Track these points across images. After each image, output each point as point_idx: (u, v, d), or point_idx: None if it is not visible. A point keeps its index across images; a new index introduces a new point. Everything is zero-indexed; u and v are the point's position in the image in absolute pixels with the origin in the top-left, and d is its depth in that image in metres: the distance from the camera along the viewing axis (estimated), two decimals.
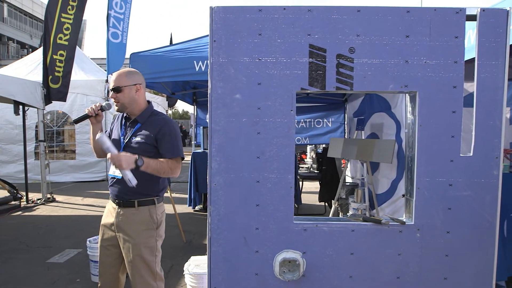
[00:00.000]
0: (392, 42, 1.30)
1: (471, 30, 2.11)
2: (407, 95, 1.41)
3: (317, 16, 1.30)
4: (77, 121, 2.25)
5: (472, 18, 1.30)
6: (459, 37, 1.29)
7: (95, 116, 2.20)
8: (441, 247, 1.34)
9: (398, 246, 1.35)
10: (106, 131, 2.35)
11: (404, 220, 1.38)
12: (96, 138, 2.08)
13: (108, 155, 2.03)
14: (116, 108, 2.22)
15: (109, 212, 2.28)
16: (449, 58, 1.29)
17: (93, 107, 2.20)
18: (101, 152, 2.26)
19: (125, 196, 2.18)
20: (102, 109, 2.22)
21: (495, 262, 1.34)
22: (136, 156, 2.03)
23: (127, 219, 2.19)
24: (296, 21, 1.30)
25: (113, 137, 2.28)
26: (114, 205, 2.23)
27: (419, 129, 1.32)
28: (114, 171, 2.19)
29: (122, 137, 2.24)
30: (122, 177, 2.08)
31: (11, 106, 6.89)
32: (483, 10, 1.28)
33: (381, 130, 4.57)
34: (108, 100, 2.31)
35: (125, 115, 2.29)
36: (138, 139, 2.18)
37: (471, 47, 1.60)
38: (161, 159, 2.14)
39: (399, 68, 1.30)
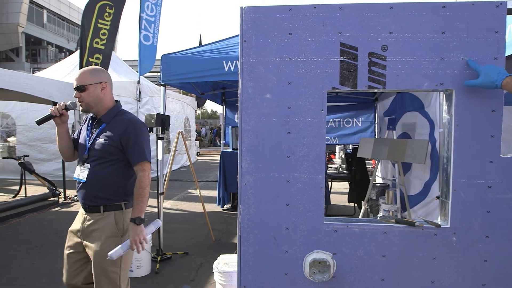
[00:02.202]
0: (427, 39, 1.26)
1: (511, 25, 2.01)
2: (442, 93, 1.36)
3: (349, 14, 1.28)
4: (40, 121, 2.10)
5: None
6: (499, 32, 1.23)
7: (59, 116, 2.06)
8: (479, 252, 1.29)
9: (433, 250, 1.31)
10: (74, 133, 2.25)
11: (439, 223, 1.33)
12: (111, 257, 1.88)
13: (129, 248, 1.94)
14: (81, 108, 2.07)
15: (77, 217, 2.16)
16: (488, 54, 1.24)
17: (57, 106, 2.05)
18: (68, 155, 2.19)
19: (90, 201, 2.05)
20: (66, 108, 2.08)
21: None
22: (136, 223, 1.95)
23: (92, 225, 2.04)
24: (327, 20, 1.28)
25: (80, 139, 2.15)
26: (82, 210, 2.11)
27: (455, 128, 1.27)
28: (78, 174, 2.07)
29: (87, 139, 2.09)
30: (85, 181, 2.03)
31: (50, 107, 7.22)
32: None
33: (414, 130, 4.43)
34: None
35: (91, 115, 2.15)
36: (102, 140, 2.04)
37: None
38: (136, 183, 2.01)
39: (434, 66, 1.26)
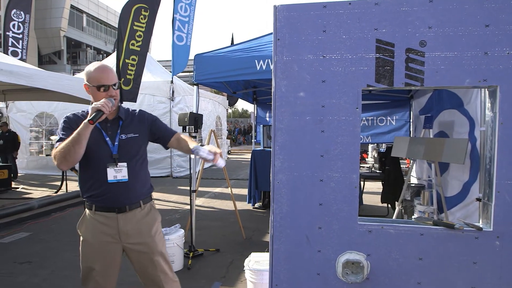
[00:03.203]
0: (469, 32, 1.20)
1: None
2: (485, 90, 1.30)
3: (385, 9, 1.24)
4: (95, 119, 1.83)
5: None
6: None
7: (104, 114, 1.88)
8: None
9: (474, 254, 1.25)
10: (62, 134, 1.96)
11: (481, 226, 1.27)
12: (196, 151, 1.82)
13: (213, 157, 1.81)
14: (112, 105, 1.94)
15: (99, 224, 1.99)
16: None
17: (108, 103, 1.86)
18: (79, 158, 1.89)
19: (132, 199, 2.01)
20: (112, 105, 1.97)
21: None
22: (196, 144, 1.93)
23: (136, 221, 2.02)
24: (362, 16, 1.25)
25: (89, 141, 1.90)
26: (110, 214, 1.99)
27: (500, 127, 1.21)
28: (115, 176, 1.96)
29: (108, 139, 1.99)
30: (128, 179, 1.97)
31: (88, 106, 7.55)
32: None
33: (452, 128, 4.25)
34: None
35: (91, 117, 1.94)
36: (130, 134, 2.02)
37: None
38: (183, 138, 2.08)
39: (477, 61, 1.20)
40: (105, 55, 34.52)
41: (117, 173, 1.97)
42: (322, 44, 1.28)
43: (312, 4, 1.30)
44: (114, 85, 1.98)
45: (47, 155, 10.78)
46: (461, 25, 1.21)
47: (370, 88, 1.29)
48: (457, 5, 1.21)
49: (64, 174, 8.16)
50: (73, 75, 15.10)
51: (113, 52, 11.56)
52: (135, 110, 2.18)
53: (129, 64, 7.22)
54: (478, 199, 3.27)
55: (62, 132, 1.97)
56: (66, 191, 8.00)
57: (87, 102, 7.49)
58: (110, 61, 11.11)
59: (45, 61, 32.43)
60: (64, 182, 8.14)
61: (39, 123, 11.92)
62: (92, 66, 2.04)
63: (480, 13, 1.19)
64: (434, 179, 4.19)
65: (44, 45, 30.93)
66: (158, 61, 13.33)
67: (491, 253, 1.23)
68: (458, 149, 3.47)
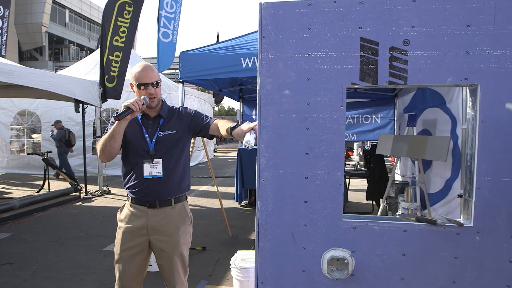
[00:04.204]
0: (451, 32, 1.22)
1: None
2: (466, 88, 1.32)
3: (369, 8, 1.25)
4: (122, 116, 1.92)
5: None
6: None
7: (134, 112, 1.96)
8: (504, 252, 1.25)
9: (455, 249, 1.27)
10: (107, 129, 2.09)
11: (462, 221, 1.30)
12: (247, 143, 1.61)
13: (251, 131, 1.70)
14: (151, 104, 2.06)
15: (133, 215, 2.10)
16: None
17: (138, 101, 1.95)
18: (115, 153, 2.04)
19: (164, 195, 2.08)
20: (143, 103, 2.01)
21: None
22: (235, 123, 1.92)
23: (164, 218, 2.08)
24: (347, 14, 1.26)
25: (128, 137, 2.08)
26: (142, 207, 2.09)
27: (480, 125, 1.23)
28: (150, 172, 2.05)
29: (146, 135, 2.08)
30: (162, 176, 2.03)
31: (73, 104, 7.42)
32: None
33: (434, 126, 4.33)
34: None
35: (140, 113, 2.10)
36: (169, 131, 2.08)
37: None
38: (220, 122, 2.06)
39: (458, 60, 1.22)
40: (88, 51, 33.88)
41: (153, 169, 2.05)
42: (307, 42, 1.29)
43: (297, 2, 1.30)
44: (154, 83, 2.06)
45: (28, 154, 10.54)
46: (443, 25, 1.23)
47: (355, 86, 1.30)
48: (440, 5, 1.22)
49: (46, 173, 7.99)
50: (55, 71, 14.78)
51: (97, 48, 11.36)
52: (177, 107, 2.25)
53: (113, 61, 7.11)
54: (460, 196, 3.35)
55: (108, 126, 2.12)
56: (49, 191, 7.84)
57: (71, 99, 7.35)
58: (94, 58, 10.91)
59: (26, 57, 31.65)
60: (46, 182, 7.97)
61: (20, 121, 11.64)
62: (135, 66, 2.13)
63: (462, 13, 1.21)
64: (417, 176, 4.27)
65: (25, 41, 30.17)
66: (143, 58, 13.19)
67: (471, 248, 1.26)
68: (440, 146, 3.54)
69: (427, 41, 1.24)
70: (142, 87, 2.05)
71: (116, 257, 2.12)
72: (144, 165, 2.05)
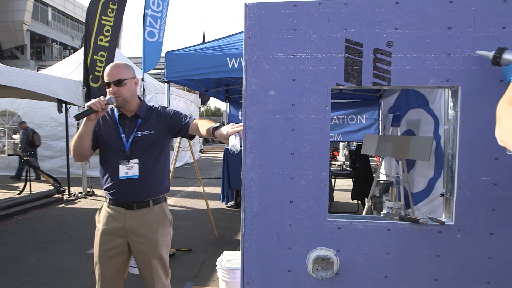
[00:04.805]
0: (433, 34, 1.24)
1: None
2: (448, 90, 1.35)
3: (353, 10, 1.27)
4: (80, 117, 1.93)
5: None
6: (507, 27, 1.22)
7: (97, 112, 1.93)
8: (484, 249, 1.28)
9: (437, 247, 1.30)
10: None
11: (444, 220, 1.33)
12: (233, 147, 1.55)
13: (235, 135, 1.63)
14: (116, 103, 2.02)
15: (110, 217, 2.08)
16: (495, 49, 1.22)
17: (99, 101, 1.91)
18: (87, 153, 2.05)
19: (141, 196, 2.05)
20: (107, 103, 1.97)
21: None
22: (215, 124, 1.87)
23: (142, 220, 2.05)
24: (331, 16, 1.27)
25: (104, 137, 2.08)
26: (120, 209, 2.06)
27: (461, 125, 1.26)
28: (126, 172, 2.02)
29: (123, 135, 2.06)
30: (138, 176, 2.00)
31: (55, 104, 7.27)
32: None
33: (418, 127, 4.41)
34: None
35: (117, 113, 2.10)
36: (146, 132, 2.05)
37: None
38: (199, 122, 2.01)
39: (440, 62, 1.25)
40: (72, 50, 33.28)
41: (129, 169, 2.03)
42: (292, 43, 1.29)
43: (282, 3, 1.30)
44: (117, 82, 2.00)
45: (9, 155, 10.28)
46: (425, 27, 1.25)
47: (340, 87, 1.31)
48: (422, 8, 1.25)
49: (28, 175, 7.81)
50: (38, 71, 14.47)
51: (81, 47, 11.17)
52: (156, 106, 2.19)
53: (98, 61, 7.00)
54: (442, 195, 3.41)
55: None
56: (30, 193, 7.67)
57: (53, 99, 7.20)
58: (77, 57, 10.70)
59: (7, 56, 30.89)
60: (28, 184, 7.79)
61: (1, 121, 11.36)
62: None
63: (443, 16, 1.24)
64: (401, 176, 4.34)
65: (6, 39, 29.44)
66: (128, 57, 13.01)
67: (452, 245, 1.29)
68: (423, 146, 3.60)
69: (410, 43, 1.26)
70: (107, 86, 2.03)
71: (95, 259, 2.10)
72: (120, 165, 2.03)
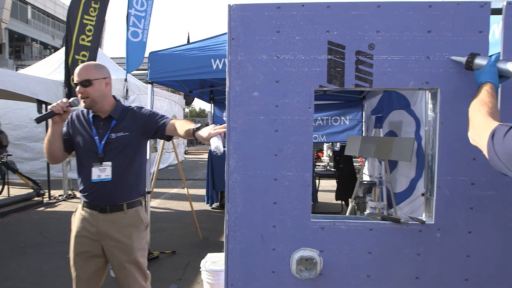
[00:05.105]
0: (413, 37, 1.27)
1: (495, 25, 2.04)
2: (428, 92, 1.38)
3: (336, 13, 1.28)
4: (40, 119, 1.92)
5: (497, 12, 1.26)
6: (483, 31, 1.25)
7: (61, 114, 1.90)
8: (462, 247, 1.31)
9: (418, 246, 1.33)
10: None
11: (424, 219, 1.35)
12: (216, 149, 1.56)
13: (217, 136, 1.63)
14: (84, 104, 1.97)
15: (84, 220, 2.03)
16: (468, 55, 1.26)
17: (60, 103, 1.88)
18: (58, 156, 2.04)
19: (114, 199, 2.00)
20: (70, 105, 1.92)
21: None
22: (197, 125, 1.82)
23: (115, 224, 2.01)
24: (314, 18, 1.28)
25: (78, 139, 2.04)
26: (93, 212, 2.02)
27: (440, 126, 1.29)
28: (99, 175, 1.98)
29: (96, 138, 2.01)
30: (111, 179, 1.97)
31: (35, 105, 7.09)
32: (509, 3, 1.24)
33: (400, 128, 4.49)
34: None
35: (91, 114, 2.06)
36: (120, 133, 2.00)
37: (495, 42, 1.55)
38: (178, 122, 1.98)
39: (420, 64, 1.28)
40: (52, 50, 32.51)
41: (101, 172, 1.98)
42: (276, 45, 1.30)
43: (266, 5, 1.31)
44: (84, 82, 1.95)
45: None
46: (406, 30, 1.28)
47: (324, 89, 1.32)
48: (403, 11, 1.27)
49: (5, 177, 7.59)
50: (17, 70, 14.10)
51: (62, 47, 10.94)
52: (132, 107, 2.14)
53: (79, 61, 6.86)
54: (423, 194, 3.48)
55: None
56: (8, 196, 7.44)
57: (32, 100, 7.02)
58: (58, 57, 10.47)
59: None
60: (6, 186, 7.56)
61: None
62: None
63: (423, 20, 1.27)
64: (384, 176, 4.41)
65: None
66: (111, 58, 12.80)
67: (432, 244, 1.32)
68: (405, 147, 3.67)
69: (391, 45, 1.28)
70: (75, 86, 1.98)
71: (71, 261, 2.06)
72: (93, 168, 1.98)
